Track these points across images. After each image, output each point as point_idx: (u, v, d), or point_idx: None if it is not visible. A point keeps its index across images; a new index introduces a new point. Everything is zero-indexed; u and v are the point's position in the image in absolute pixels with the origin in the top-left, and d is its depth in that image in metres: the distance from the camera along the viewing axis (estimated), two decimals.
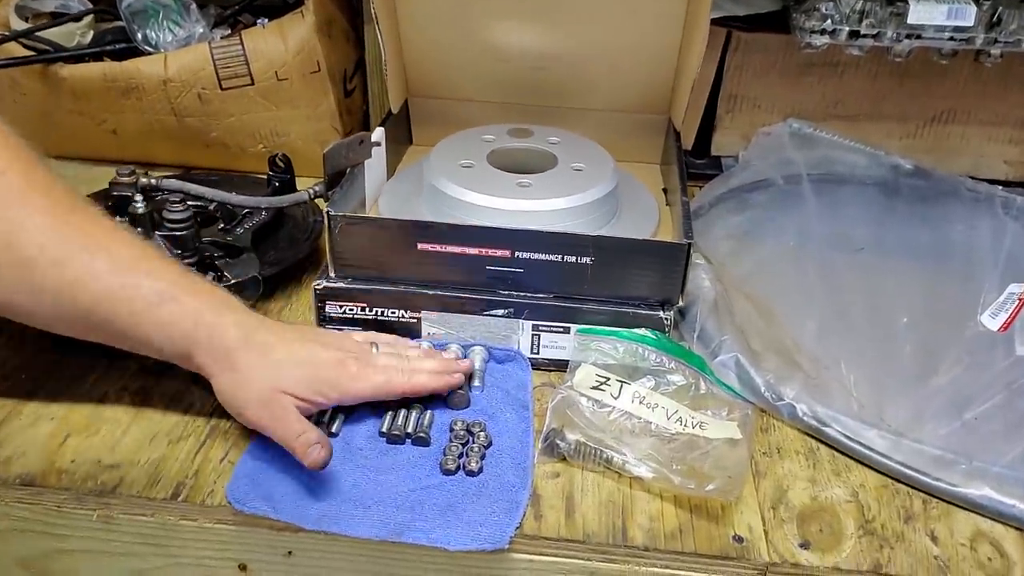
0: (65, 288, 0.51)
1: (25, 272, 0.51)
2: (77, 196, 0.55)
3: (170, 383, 0.63)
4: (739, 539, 0.51)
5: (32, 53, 0.87)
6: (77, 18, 0.93)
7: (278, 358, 0.55)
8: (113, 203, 0.66)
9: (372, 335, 0.64)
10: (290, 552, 0.54)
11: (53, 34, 0.90)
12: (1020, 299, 0.67)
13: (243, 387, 0.54)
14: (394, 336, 0.64)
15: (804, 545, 0.51)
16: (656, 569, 0.51)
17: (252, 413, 0.54)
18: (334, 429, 0.58)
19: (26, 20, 0.94)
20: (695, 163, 0.96)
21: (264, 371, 0.54)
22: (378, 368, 0.58)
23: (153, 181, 0.67)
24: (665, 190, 0.80)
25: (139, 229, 0.63)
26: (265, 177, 0.80)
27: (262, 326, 0.56)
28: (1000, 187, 0.82)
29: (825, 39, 0.80)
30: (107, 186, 0.69)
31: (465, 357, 0.65)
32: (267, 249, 0.74)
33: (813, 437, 0.60)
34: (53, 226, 0.51)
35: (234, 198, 0.68)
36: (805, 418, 0.60)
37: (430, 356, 0.62)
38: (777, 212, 0.80)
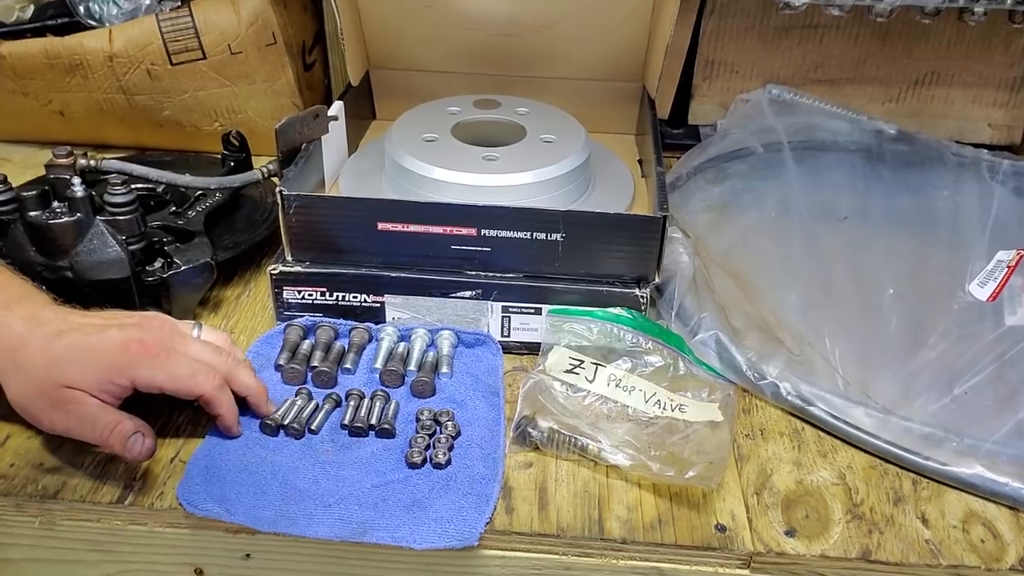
0: None
1: None
2: None
3: None
4: (722, 528, 0.49)
5: None
6: None
7: (61, 351, 0.49)
8: (50, 186, 0.62)
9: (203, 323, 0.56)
10: (248, 555, 0.51)
11: None
12: (1009, 267, 0.65)
13: (30, 392, 0.49)
14: (226, 334, 0.57)
15: (790, 532, 0.49)
16: (635, 562, 0.48)
17: (48, 418, 0.50)
18: (314, 426, 0.55)
19: None
20: (672, 133, 0.93)
21: (44, 368, 0.48)
22: (188, 358, 0.51)
23: (92, 162, 0.63)
24: (640, 161, 0.77)
25: (78, 214, 0.58)
26: (220, 157, 0.76)
27: (52, 319, 0.50)
28: (986, 151, 0.79)
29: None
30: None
31: (432, 343, 0.61)
32: (223, 233, 0.70)
33: (798, 417, 0.57)
34: None
35: (181, 179, 0.64)
36: (789, 397, 0.57)
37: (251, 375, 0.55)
38: (757, 181, 0.77)
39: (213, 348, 0.53)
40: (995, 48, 0.87)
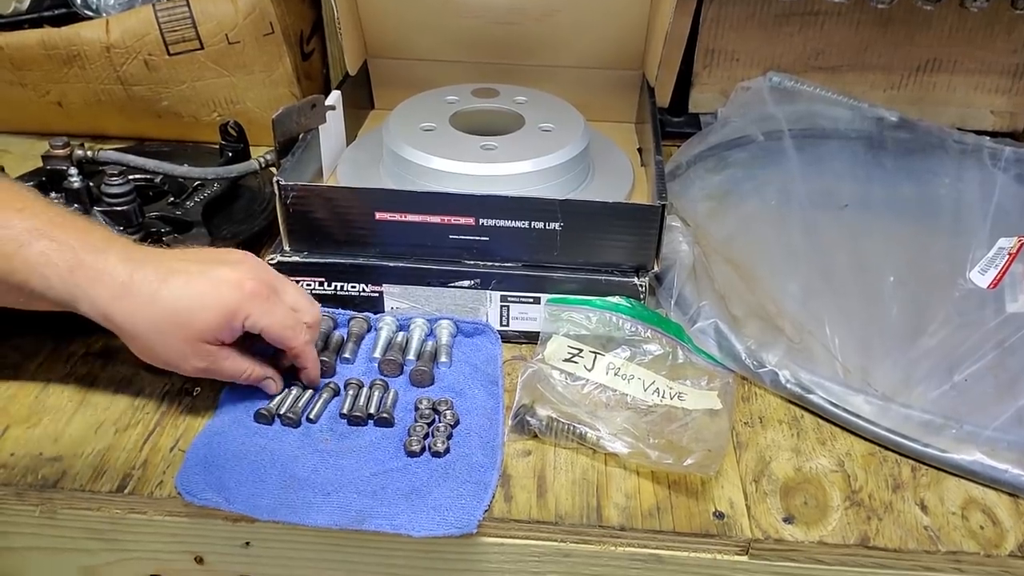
0: None
1: None
2: None
3: (118, 368, 0.59)
4: (720, 515, 0.49)
5: None
6: None
7: (176, 291, 0.48)
8: (47, 177, 0.62)
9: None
10: (247, 543, 0.51)
11: None
12: (1010, 254, 0.64)
13: (153, 346, 0.49)
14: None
15: (788, 519, 0.49)
16: (633, 549, 0.49)
17: (184, 367, 0.51)
18: (312, 415, 0.55)
19: None
20: (673, 121, 0.93)
21: (162, 319, 0.48)
22: (286, 309, 0.52)
23: (89, 153, 0.63)
24: (640, 150, 0.76)
25: (76, 205, 0.59)
26: (218, 148, 0.75)
27: (150, 258, 0.50)
28: (988, 138, 0.78)
29: None
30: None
31: (431, 332, 0.61)
32: (221, 223, 0.70)
33: (797, 405, 0.57)
34: None
35: (177, 169, 0.64)
36: (788, 385, 0.57)
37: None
38: (758, 170, 0.77)
39: (306, 295, 0.55)
40: (997, 35, 0.86)
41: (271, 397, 0.55)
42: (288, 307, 0.53)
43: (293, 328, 0.52)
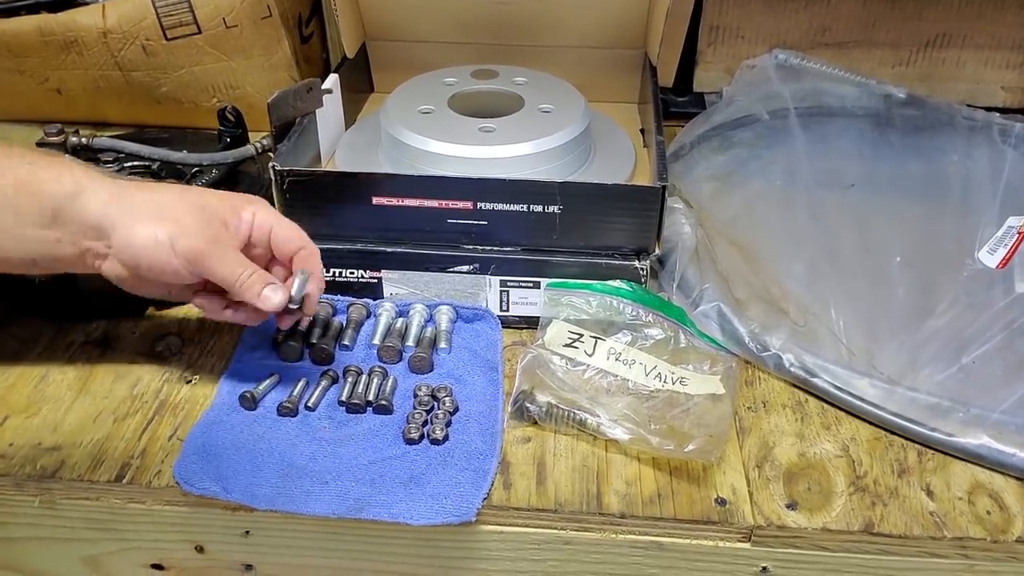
0: None
1: None
2: None
3: (117, 356, 0.59)
4: (722, 502, 0.48)
5: None
6: None
7: (189, 189, 0.51)
8: None
9: None
10: (247, 532, 0.51)
11: None
12: (1020, 232, 0.63)
13: (164, 219, 0.48)
14: None
15: (791, 506, 0.48)
16: (634, 536, 0.48)
17: (183, 242, 0.48)
18: (310, 403, 0.54)
19: None
20: (677, 101, 0.91)
21: (181, 198, 0.49)
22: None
23: (84, 140, 0.62)
24: (643, 131, 0.75)
25: None
26: (216, 133, 0.75)
27: (132, 183, 0.51)
28: (998, 114, 0.77)
29: None
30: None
31: (431, 318, 0.61)
32: None
33: (801, 389, 0.56)
34: None
35: (172, 155, 0.63)
36: (792, 369, 0.56)
37: None
38: (763, 149, 0.76)
39: None
40: (1008, 8, 0.84)
41: (259, 380, 0.55)
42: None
43: (302, 233, 0.53)
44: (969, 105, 0.80)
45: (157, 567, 0.54)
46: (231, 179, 0.73)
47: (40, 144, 0.63)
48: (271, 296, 0.50)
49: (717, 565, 0.49)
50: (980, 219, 0.65)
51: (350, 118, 0.75)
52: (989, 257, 0.62)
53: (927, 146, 0.75)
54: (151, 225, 0.48)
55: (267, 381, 0.55)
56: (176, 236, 0.48)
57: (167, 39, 0.81)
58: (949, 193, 0.69)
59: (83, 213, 0.47)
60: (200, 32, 0.81)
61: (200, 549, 0.52)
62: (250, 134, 0.77)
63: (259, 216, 0.52)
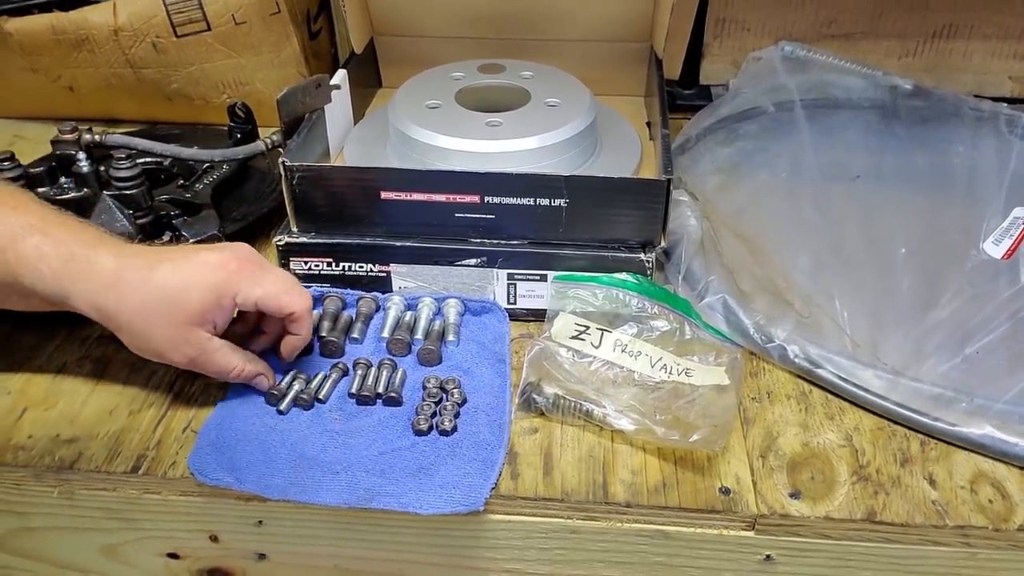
0: None
1: None
2: None
3: (131, 351, 0.60)
4: (726, 491, 0.49)
5: None
6: None
7: (163, 277, 0.49)
8: (57, 162, 0.62)
9: None
10: (260, 521, 0.52)
11: None
12: None
13: (145, 328, 0.49)
14: None
15: (795, 495, 0.49)
16: (639, 525, 0.49)
17: (173, 357, 0.50)
18: (321, 396, 0.55)
19: None
20: (683, 94, 0.92)
21: (156, 301, 0.49)
22: (279, 275, 0.53)
23: (97, 138, 0.63)
24: (649, 124, 0.75)
25: (85, 189, 0.59)
26: (227, 129, 0.76)
27: (141, 251, 0.51)
28: (1005, 105, 0.77)
29: None
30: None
31: (439, 311, 0.62)
32: (231, 205, 0.71)
33: (805, 380, 0.57)
34: None
35: (183, 152, 0.64)
36: (797, 360, 0.57)
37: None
38: (769, 142, 0.76)
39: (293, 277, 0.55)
40: None
41: (280, 379, 0.56)
42: (279, 275, 0.53)
43: (290, 291, 0.52)
44: (976, 96, 0.80)
45: (173, 556, 0.55)
46: (241, 175, 0.74)
47: (55, 142, 0.64)
48: (263, 383, 0.54)
49: (721, 553, 0.49)
50: (986, 210, 0.65)
51: (358, 113, 0.76)
52: (994, 248, 0.62)
53: (933, 137, 0.75)
54: (138, 343, 0.50)
55: (287, 378, 0.56)
56: (163, 354, 0.51)
57: (177, 36, 0.82)
58: (955, 184, 0.69)
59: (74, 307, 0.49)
60: (210, 29, 0.82)
61: (214, 538, 0.53)
62: (260, 130, 0.78)
63: (241, 297, 0.51)
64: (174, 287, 0.49)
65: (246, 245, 0.54)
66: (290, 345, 0.55)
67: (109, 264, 0.48)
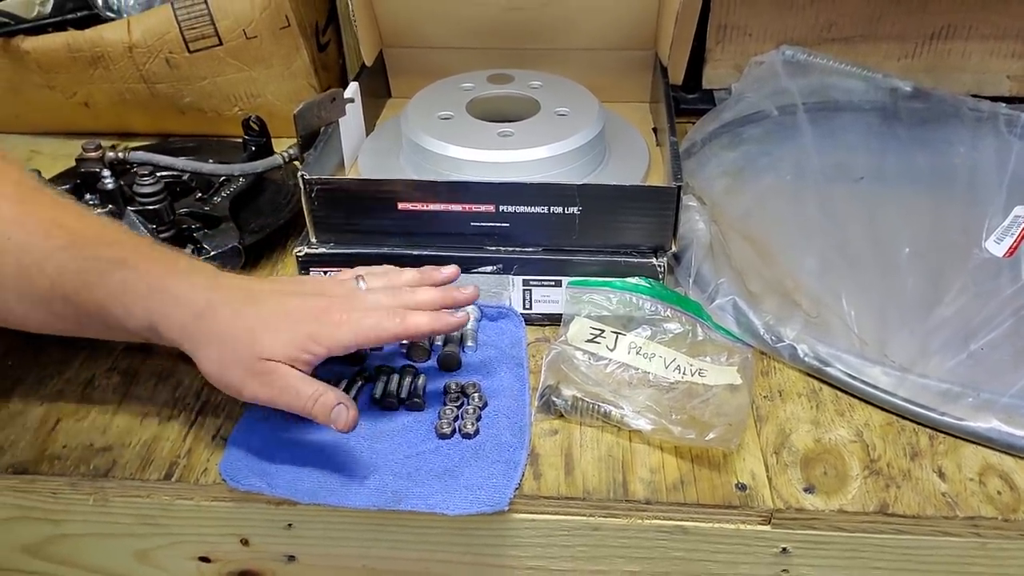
0: (22, 273, 0.48)
1: None
2: (44, 185, 0.52)
3: (158, 361, 0.61)
4: (742, 487, 0.51)
5: None
6: None
7: (253, 320, 0.49)
8: (81, 180, 0.64)
9: (360, 268, 0.58)
10: (290, 524, 0.53)
11: (11, 6, 0.86)
12: None
13: (228, 363, 0.49)
14: (384, 266, 0.58)
15: (809, 489, 0.50)
16: (659, 521, 0.50)
17: (250, 390, 0.49)
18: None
19: None
20: (687, 98, 0.93)
21: (243, 340, 0.49)
22: (366, 311, 0.51)
23: (120, 155, 0.65)
24: (655, 130, 0.77)
25: (110, 205, 0.61)
26: (241, 142, 0.77)
27: (232, 285, 0.51)
28: (1003, 105, 0.78)
29: None
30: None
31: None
32: (249, 217, 0.72)
33: (815, 378, 0.59)
34: (19, 214, 0.49)
35: (204, 167, 0.66)
36: (806, 359, 0.58)
37: (427, 278, 0.56)
38: (773, 145, 0.77)
39: (384, 292, 0.54)
40: None
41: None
42: (368, 311, 0.52)
43: (377, 327, 0.51)
44: (975, 96, 0.82)
45: (204, 559, 0.56)
46: (257, 187, 0.76)
47: (79, 160, 0.65)
48: (341, 415, 0.50)
49: (739, 547, 0.51)
50: (987, 209, 0.67)
51: (369, 123, 0.77)
52: (996, 246, 0.64)
53: (934, 138, 0.76)
54: (215, 377, 0.50)
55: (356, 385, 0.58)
56: (239, 391, 0.50)
57: (190, 51, 0.84)
58: (956, 184, 0.71)
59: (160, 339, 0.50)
60: (221, 44, 0.84)
61: (245, 542, 0.55)
62: (272, 141, 0.79)
63: (328, 347, 0.50)
64: (259, 334, 0.49)
65: (335, 282, 0.55)
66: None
67: (201, 296, 0.49)
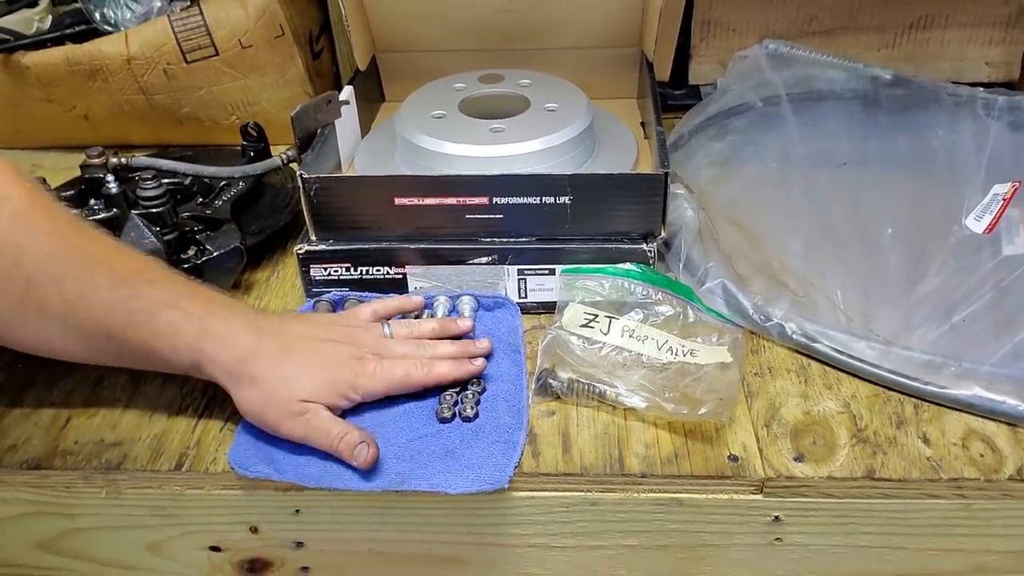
0: (68, 307, 0.51)
1: (29, 295, 0.51)
2: (77, 218, 0.55)
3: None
4: (734, 458, 0.52)
5: None
6: (32, 3, 0.91)
7: (296, 367, 0.53)
8: (86, 186, 0.66)
9: (378, 306, 0.61)
10: (297, 510, 0.55)
11: (10, 22, 0.88)
12: (1005, 199, 0.67)
13: (269, 404, 0.53)
14: (398, 301, 0.63)
15: (798, 458, 0.52)
16: (655, 494, 0.52)
17: (286, 428, 0.53)
18: None
19: None
20: (674, 94, 0.96)
21: (286, 384, 0.53)
22: (396, 362, 0.56)
23: (123, 160, 0.67)
24: (643, 124, 0.79)
25: (114, 209, 0.63)
26: (240, 148, 0.79)
27: (271, 330, 0.55)
28: (981, 89, 0.80)
29: None
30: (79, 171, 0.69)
31: (454, 309, 0.65)
32: (249, 220, 0.74)
33: (803, 354, 0.60)
34: (55, 247, 0.51)
35: (205, 170, 0.68)
36: (794, 336, 0.60)
37: (446, 329, 0.61)
38: (758, 135, 0.79)
39: (410, 344, 0.58)
40: None
41: None
42: (397, 361, 0.56)
43: (406, 377, 0.56)
44: (955, 82, 0.84)
45: (214, 549, 0.58)
46: (257, 191, 0.78)
47: (83, 166, 0.67)
48: (362, 453, 0.52)
49: (733, 517, 0.53)
50: (967, 189, 0.69)
51: (364, 127, 0.79)
52: (976, 223, 0.66)
53: (914, 123, 0.78)
54: (252, 415, 0.54)
55: None
56: (275, 428, 0.54)
57: (187, 62, 0.86)
58: (936, 166, 0.73)
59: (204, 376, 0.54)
60: (218, 54, 0.86)
61: (254, 529, 0.56)
62: (270, 147, 0.81)
63: (363, 393, 0.55)
64: (298, 379, 0.53)
65: (364, 330, 0.58)
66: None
67: (244, 340, 0.53)
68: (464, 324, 0.62)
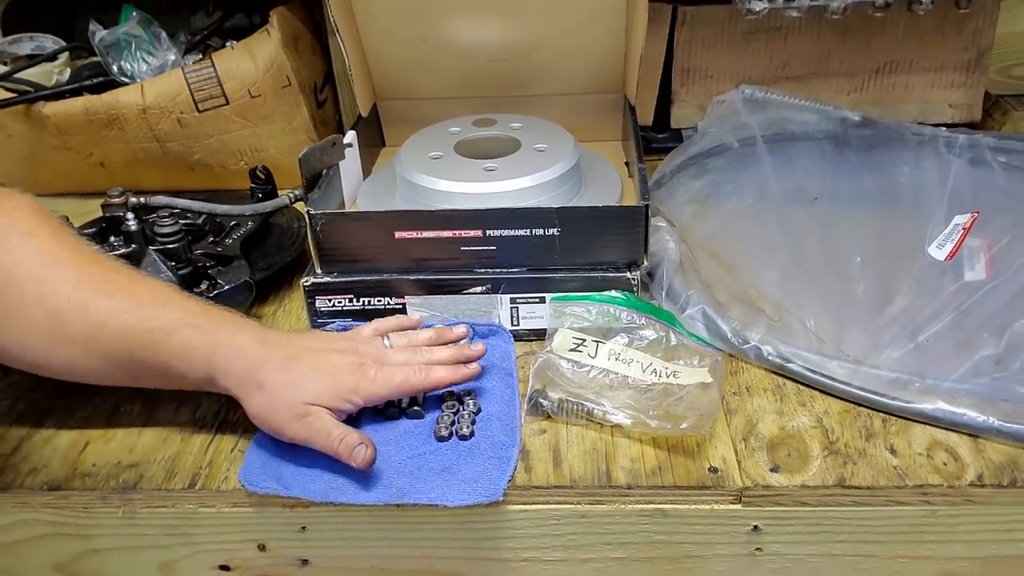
0: (90, 332, 0.55)
1: (56, 323, 0.55)
2: (100, 252, 0.60)
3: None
4: (714, 470, 0.56)
5: (13, 95, 0.91)
6: (52, 57, 0.97)
7: (301, 373, 0.57)
8: (107, 224, 0.70)
9: (379, 324, 0.65)
10: (304, 527, 0.58)
11: (32, 75, 0.94)
12: (964, 229, 0.72)
13: (275, 407, 0.56)
14: (397, 319, 0.66)
15: (774, 469, 0.55)
16: (640, 505, 0.55)
17: (290, 430, 0.56)
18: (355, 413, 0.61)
19: (4, 64, 0.98)
20: (657, 137, 1.01)
21: (291, 388, 0.56)
22: (395, 368, 0.59)
23: (142, 200, 0.71)
24: (627, 163, 0.84)
25: (133, 245, 0.67)
26: (249, 191, 0.84)
27: (278, 342, 0.58)
28: (944, 128, 0.86)
29: (764, 4, 0.84)
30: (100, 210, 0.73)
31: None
32: (257, 257, 0.78)
33: (779, 374, 0.64)
34: (79, 277, 0.56)
35: (219, 208, 0.72)
36: (770, 357, 0.64)
37: (442, 336, 0.64)
38: (735, 174, 0.84)
39: (408, 351, 0.62)
40: (947, 34, 0.94)
41: None
42: (397, 367, 0.59)
43: (407, 382, 0.59)
44: (921, 123, 0.89)
45: (224, 568, 0.60)
46: (265, 230, 0.82)
47: (104, 206, 0.72)
48: (360, 454, 0.55)
49: (714, 527, 0.56)
50: (930, 220, 0.73)
51: (366, 170, 0.84)
52: (938, 251, 0.70)
53: (880, 161, 0.84)
54: (260, 420, 0.57)
55: None
56: (280, 431, 0.57)
57: (199, 111, 0.91)
58: (901, 200, 0.78)
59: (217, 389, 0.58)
60: (228, 103, 0.91)
61: (262, 547, 0.59)
62: (277, 190, 0.86)
63: (364, 398, 0.58)
64: (303, 384, 0.56)
65: (365, 341, 0.62)
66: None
67: (253, 351, 0.56)
68: (459, 331, 0.65)
